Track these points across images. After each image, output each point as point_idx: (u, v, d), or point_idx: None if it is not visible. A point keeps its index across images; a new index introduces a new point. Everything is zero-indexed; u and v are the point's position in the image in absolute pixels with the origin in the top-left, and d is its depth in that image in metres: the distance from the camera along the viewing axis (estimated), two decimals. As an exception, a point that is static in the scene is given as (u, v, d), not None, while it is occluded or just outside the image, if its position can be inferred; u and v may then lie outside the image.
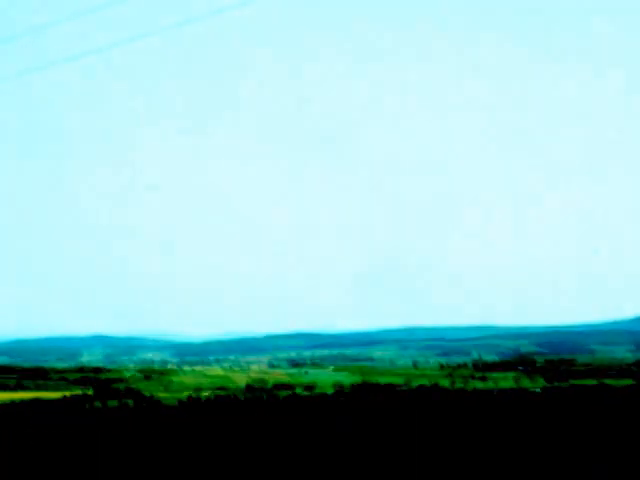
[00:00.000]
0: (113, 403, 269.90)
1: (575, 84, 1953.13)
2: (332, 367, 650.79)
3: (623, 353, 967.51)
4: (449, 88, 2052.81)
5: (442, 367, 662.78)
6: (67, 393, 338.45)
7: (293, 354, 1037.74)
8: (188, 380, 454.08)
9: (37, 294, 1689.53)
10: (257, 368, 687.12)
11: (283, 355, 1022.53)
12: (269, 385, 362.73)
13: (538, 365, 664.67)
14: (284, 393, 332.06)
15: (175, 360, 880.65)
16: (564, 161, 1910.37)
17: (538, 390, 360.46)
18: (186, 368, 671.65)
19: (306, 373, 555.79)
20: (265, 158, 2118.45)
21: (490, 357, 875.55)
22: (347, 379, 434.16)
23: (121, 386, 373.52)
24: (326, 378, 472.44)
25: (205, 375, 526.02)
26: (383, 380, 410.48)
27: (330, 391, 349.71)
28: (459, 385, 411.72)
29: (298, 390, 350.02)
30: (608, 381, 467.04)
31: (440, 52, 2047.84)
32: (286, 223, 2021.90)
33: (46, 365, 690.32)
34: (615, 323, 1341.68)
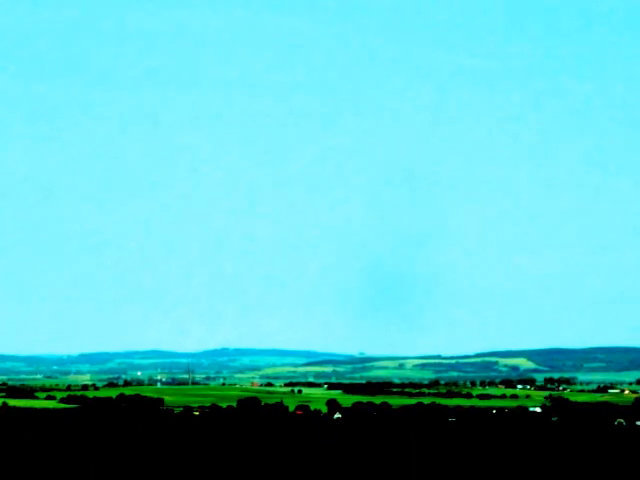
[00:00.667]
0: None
1: (575, 95, 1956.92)
2: (326, 385, 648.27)
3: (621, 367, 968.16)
4: (450, 99, 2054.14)
5: (439, 385, 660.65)
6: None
7: (287, 371, 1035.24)
8: (177, 399, 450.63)
9: (25, 310, 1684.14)
10: (250, 385, 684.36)
11: (277, 372, 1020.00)
12: (262, 403, 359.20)
13: (538, 384, 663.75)
14: (277, 412, 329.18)
15: (166, 377, 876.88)
16: (564, 177, 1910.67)
17: (538, 409, 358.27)
18: (175, 386, 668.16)
19: (299, 392, 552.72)
20: (260, 172, 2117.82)
21: (488, 374, 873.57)
22: (341, 398, 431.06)
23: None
24: (320, 396, 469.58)
25: (195, 393, 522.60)
26: (378, 399, 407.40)
27: (324, 410, 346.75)
28: (457, 403, 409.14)
29: (291, 409, 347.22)
30: (608, 398, 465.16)
31: (440, 63, 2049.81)
32: (282, 239, 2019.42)
33: (33, 383, 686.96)
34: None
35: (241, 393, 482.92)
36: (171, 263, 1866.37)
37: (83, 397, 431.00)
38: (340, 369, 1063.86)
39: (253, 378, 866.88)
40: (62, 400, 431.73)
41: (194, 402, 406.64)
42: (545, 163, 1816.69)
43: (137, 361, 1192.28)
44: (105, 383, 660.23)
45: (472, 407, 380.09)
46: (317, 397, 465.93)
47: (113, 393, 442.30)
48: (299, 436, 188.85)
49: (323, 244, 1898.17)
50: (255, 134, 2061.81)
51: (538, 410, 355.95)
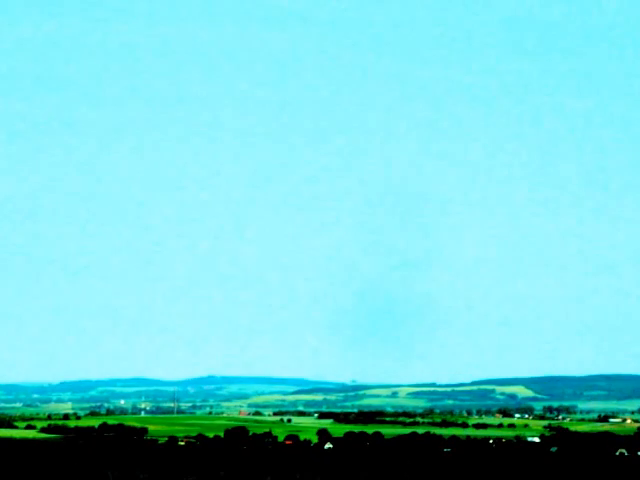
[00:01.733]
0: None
1: (573, 112, 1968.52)
2: (316, 414, 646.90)
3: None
4: (445, 117, 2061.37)
5: (434, 414, 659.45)
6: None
7: (276, 399, 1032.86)
8: (162, 428, 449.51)
9: (3, 336, 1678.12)
10: (237, 414, 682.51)
11: (266, 400, 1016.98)
12: (250, 433, 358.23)
13: (536, 413, 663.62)
14: (265, 442, 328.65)
15: (150, 405, 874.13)
16: (563, 198, 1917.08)
17: (537, 439, 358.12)
18: (159, 415, 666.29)
19: (289, 421, 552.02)
20: (248, 193, 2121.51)
21: (484, 403, 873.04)
22: (332, 427, 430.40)
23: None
24: (310, 426, 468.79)
25: (181, 423, 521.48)
26: (371, 429, 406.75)
27: (314, 440, 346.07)
28: (452, 432, 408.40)
29: (280, 439, 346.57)
30: (609, 427, 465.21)
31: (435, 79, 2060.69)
32: (271, 263, 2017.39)
33: (12, 412, 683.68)
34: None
35: (228, 422, 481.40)
36: (156, 287, 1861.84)
37: (64, 427, 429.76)
38: (331, 397, 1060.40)
39: (241, 407, 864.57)
40: (43, 430, 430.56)
41: (180, 432, 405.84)
42: (543, 183, 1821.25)
43: (120, 389, 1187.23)
44: (87, 412, 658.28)
45: (468, 437, 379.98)
46: (307, 427, 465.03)
47: (95, 422, 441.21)
48: (288, 467, 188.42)
49: (313, 268, 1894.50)
50: (243, 154, 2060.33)
51: (537, 440, 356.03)
